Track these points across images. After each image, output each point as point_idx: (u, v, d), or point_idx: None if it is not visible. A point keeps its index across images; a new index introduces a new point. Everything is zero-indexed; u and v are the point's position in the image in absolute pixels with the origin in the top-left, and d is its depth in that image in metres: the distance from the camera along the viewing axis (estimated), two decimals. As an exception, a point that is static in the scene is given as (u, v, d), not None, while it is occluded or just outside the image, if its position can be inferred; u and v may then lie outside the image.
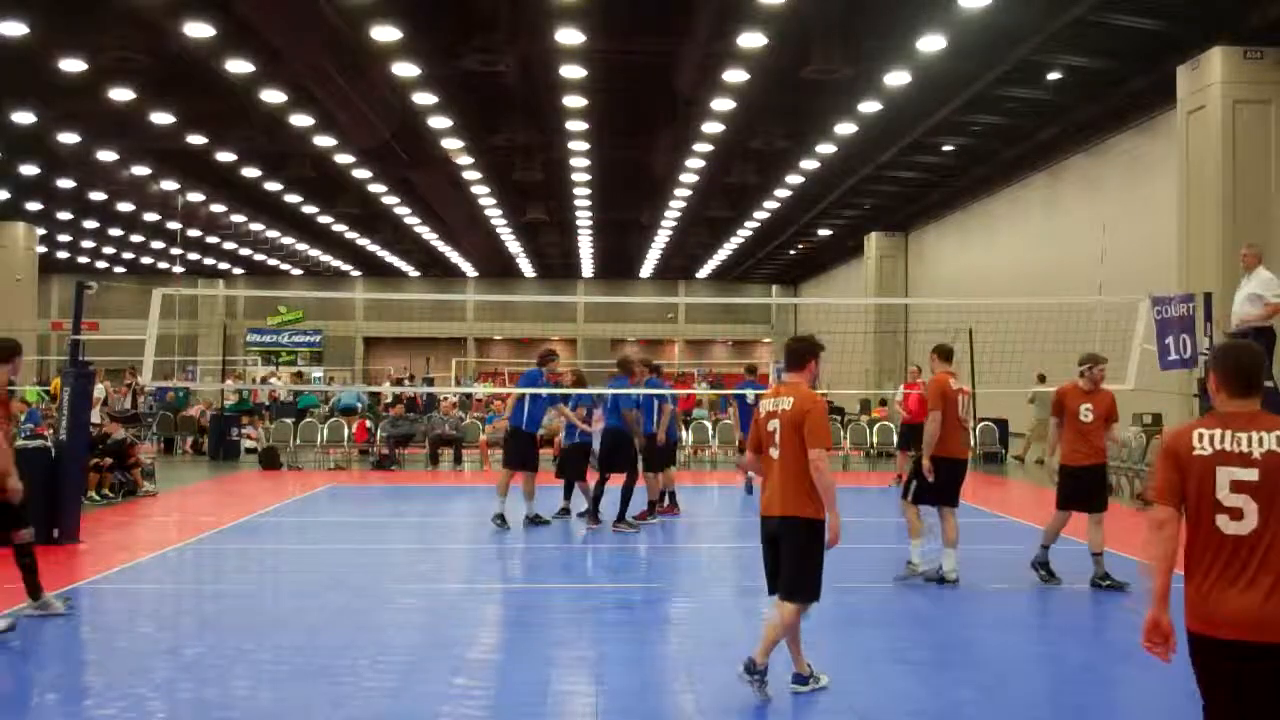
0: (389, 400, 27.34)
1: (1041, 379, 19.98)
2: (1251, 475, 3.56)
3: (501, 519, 12.26)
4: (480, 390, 30.79)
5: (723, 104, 22.37)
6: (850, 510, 14.49)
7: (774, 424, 5.96)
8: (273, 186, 31.98)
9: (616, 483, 12.51)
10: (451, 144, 26.40)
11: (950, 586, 9.17)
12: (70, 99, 22.19)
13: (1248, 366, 3.77)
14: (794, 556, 5.92)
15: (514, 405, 12.69)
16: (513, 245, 45.56)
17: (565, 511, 13.16)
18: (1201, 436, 3.66)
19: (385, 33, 18.21)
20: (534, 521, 12.54)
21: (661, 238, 42.72)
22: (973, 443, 21.85)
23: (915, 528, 9.63)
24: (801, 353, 6.23)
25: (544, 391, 12.81)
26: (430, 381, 37.54)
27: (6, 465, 7.06)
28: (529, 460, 12.66)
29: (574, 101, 22.67)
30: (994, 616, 8.56)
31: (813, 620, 8.41)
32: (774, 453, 5.96)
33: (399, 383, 36.70)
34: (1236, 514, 3.57)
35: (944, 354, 9.81)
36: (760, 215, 36.27)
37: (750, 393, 14.11)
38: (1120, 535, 10.87)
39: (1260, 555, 3.54)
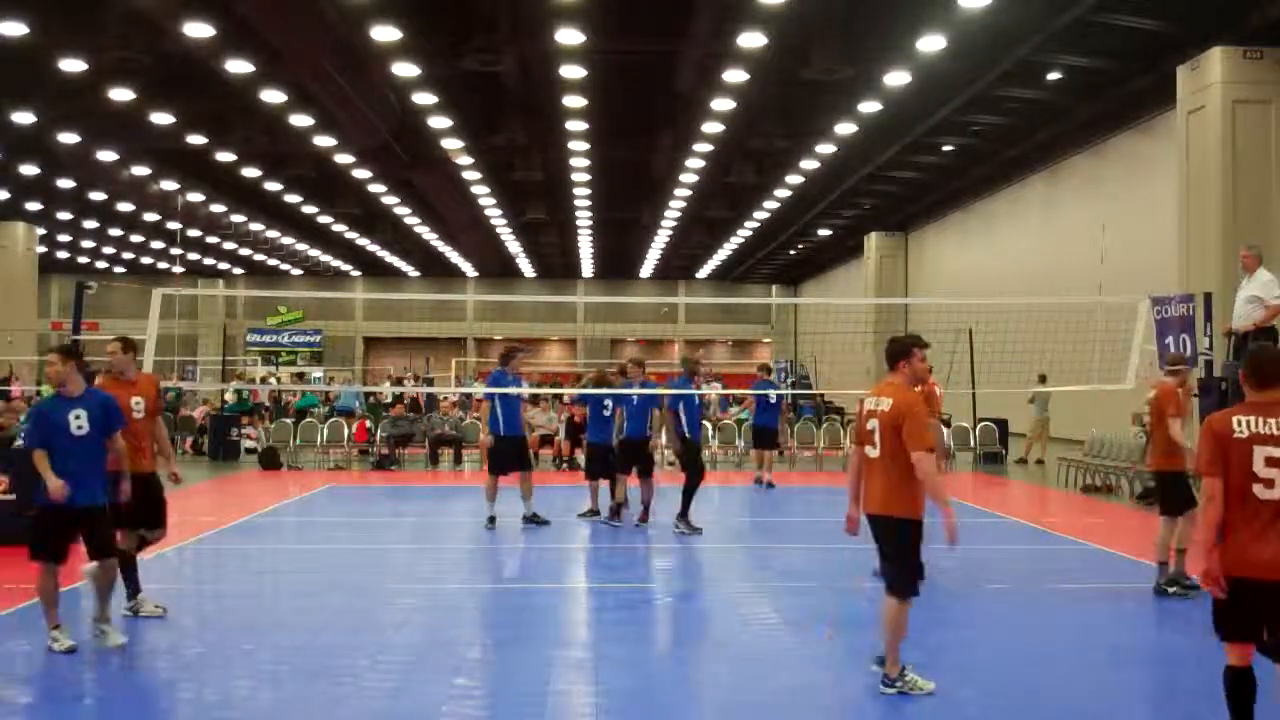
0: (388, 400, 27.34)
1: (1042, 379, 20.02)
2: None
3: (491, 521, 12.23)
4: (480, 390, 30.71)
5: (723, 104, 22.37)
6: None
7: (873, 423, 6.07)
8: (273, 186, 31.99)
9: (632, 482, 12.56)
10: (451, 144, 26.40)
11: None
12: (70, 99, 22.19)
13: (1266, 365, 4.79)
14: (891, 553, 6.08)
15: (488, 414, 12.43)
16: (513, 245, 45.57)
17: (617, 510, 12.64)
18: (1240, 422, 4.65)
19: (385, 33, 18.21)
20: (532, 521, 12.42)
21: (661, 238, 42.73)
22: (973, 443, 22.00)
23: None
24: (894, 353, 6.33)
25: (512, 391, 12.53)
26: (430, 381, 37.52)
27: (120, 464, 7.14)
28: (510, 465, 12.33)
29: (574, 101, 22.67)
30: (994, 616, 8.56)
31: (814, 620, 8.43)
32: (872, 452, 6.05)
33: (399, 382, 36.70)
34: (1270, 484, 4.57)
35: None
36: (760, 215, 36.28)
37: (773, 392, 13.41)
38: (1120, 536, 10.88)
39: None
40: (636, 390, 12.45)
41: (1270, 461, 4.56)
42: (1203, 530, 4.71)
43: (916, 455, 5.84)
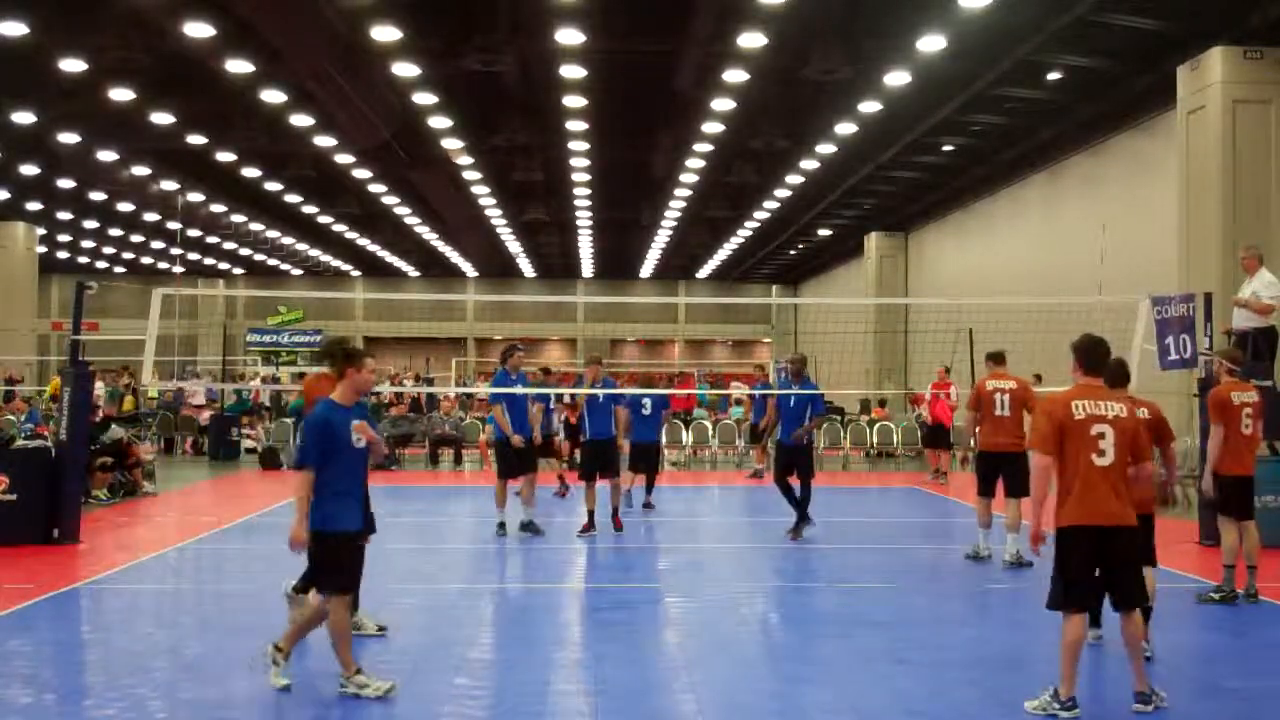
0: (388, 400, 27.32)
1: (1038, 379, 20.09)
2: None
3: (502, 527, 11.92)
4: (483, 390, 30.70)
5: (723, 104, 22.36)
6: (851, 511, 14.53)
7: (1100, 429, 5.88)
8: (273, 186, 31.97)
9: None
10: (451, 144, 26.40)
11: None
12: (70, 99, 22.17)
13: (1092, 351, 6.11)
14: (1133, 564, 6.01)
15: (502, 416, 11.90)
16: (513, 245, 45.56)
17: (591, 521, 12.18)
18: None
19: (385, 33, 18.20)
20: (528, 529, 11.97)
21: (661, 238, 42.72)
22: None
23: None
24: (1121, 375, 6.41)
25: (518, 391, 12.09)
26: (430, 382, 37.49)
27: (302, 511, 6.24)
28: (520, 468, 11.92)
29: (574, 101, 22.67)
30: (994, 616, 8.57)
31: (814, 620, 8.44)
32: (1101, 460, 5.86)
33: (409, 381, 36.65)
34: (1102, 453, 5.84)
35: (995, 358, 10.78)
36: (760, 215, 36.26)
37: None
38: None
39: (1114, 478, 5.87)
40: (653, 391, 12.31)
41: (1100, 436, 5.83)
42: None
43: (1145, 463, 6.08)
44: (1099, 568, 5.91)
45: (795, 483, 11.91)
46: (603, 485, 12.05)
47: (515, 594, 9.64)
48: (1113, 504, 5.84)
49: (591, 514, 11.91)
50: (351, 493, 6.26)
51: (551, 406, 15.00)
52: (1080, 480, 5.84)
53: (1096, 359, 6.12)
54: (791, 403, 11.93)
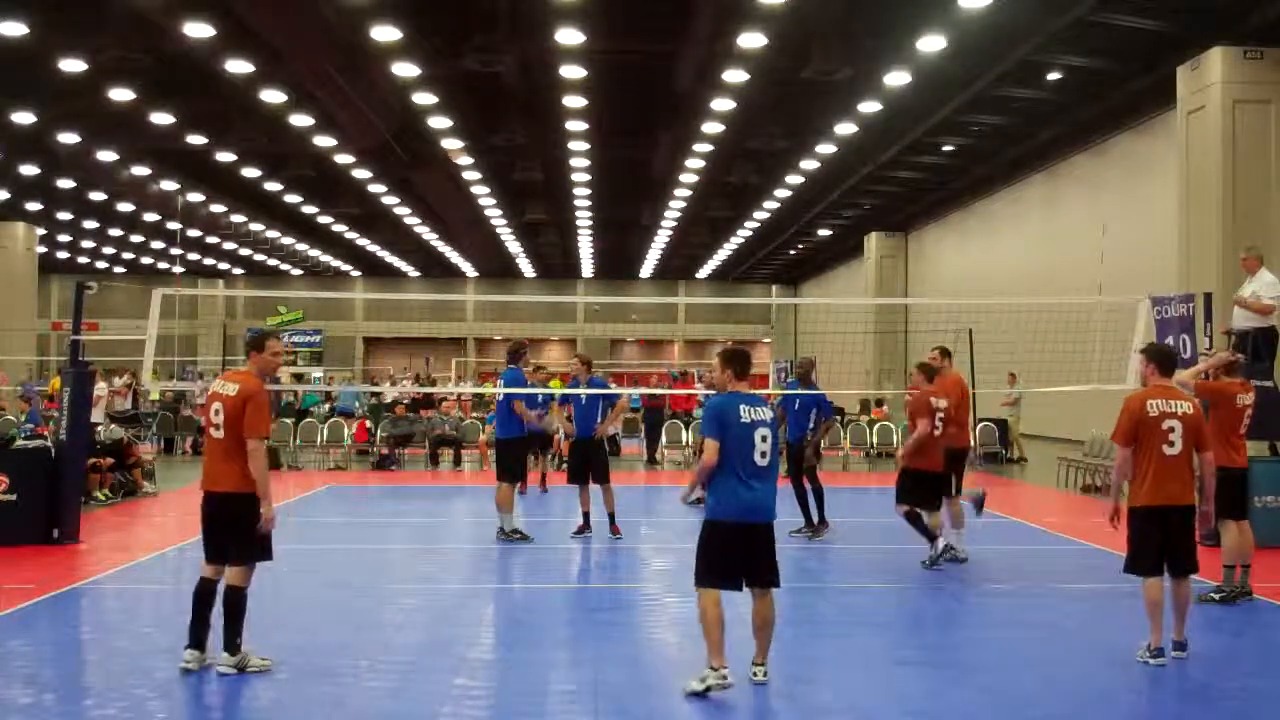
0: (390, 400, 27.32)
1: (1012, 378, 20.58)
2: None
3: (516, 531, 11.67)
4: (485, 390, 30.70)
5: (723, 104, 22.36)
6: (851, 511, 14.51)
7: (1170, 424, 6.84)
8: (273, 186, 31.99)
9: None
10: (451, 144, 26.41)
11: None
12: (70, 99, 22.19)
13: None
14: (1190, 535, 7.00)
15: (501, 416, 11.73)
16: (513, 245, 45.58)
17: (586, 522, 11.95)
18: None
19: (385, 33, 18.21)
20: (509, 536, 11.64)
21: (661, 238, 42.73)
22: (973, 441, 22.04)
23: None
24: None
25: (524, 391, 11.84)
26: (432, 382, 37.53)
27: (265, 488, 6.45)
28: (505, 471, 11.67)
29: (574, 101, 22.67)
30: (994, 616, 8.57)
31: (814, 620, 8.43)
32: (1170, 450, 6.82)
33: (397, 383, 36.68)
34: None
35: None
36: (760, 215, 36.28)
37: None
38: (1121, 536, 10.87)
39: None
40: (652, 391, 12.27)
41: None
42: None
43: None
44: (1163, 538, 6.86)
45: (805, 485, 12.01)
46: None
47: (515, 594, 9.64)
48: (1177, 487, 6.86)
49: (586, 515, 11.84)
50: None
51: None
52: (1153, 467, 6.81)
53: (1171, 364, 7.27)
54: (796, 405, 11.96)
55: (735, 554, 6.27)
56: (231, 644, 6.40)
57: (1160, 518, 6.83)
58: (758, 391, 6.52)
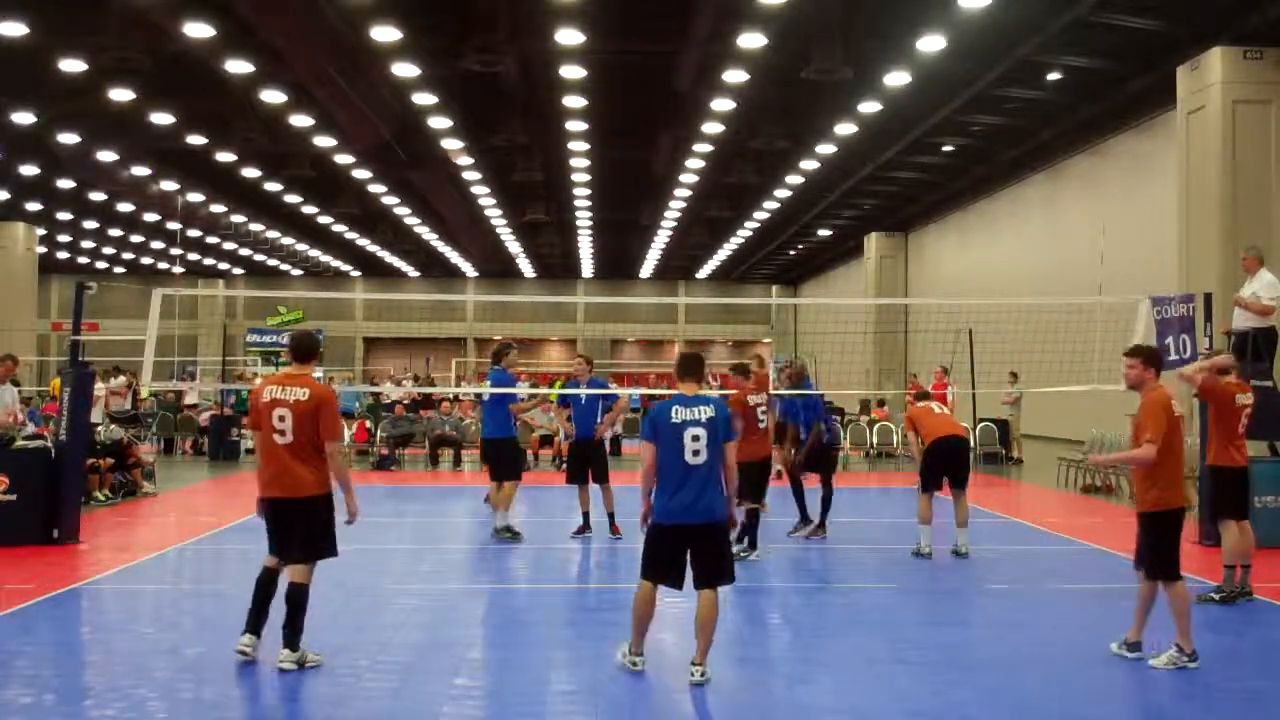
0: (390, 401, 27.30)
1: (1014, 377, 20.53)
2: None
3: (508, 529, 11.70)
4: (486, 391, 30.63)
5: (723, 104, 22.36)
6: (850, 511, 14.50)
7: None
8: (273, 186, 31.99)
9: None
10: (451, 144, 26.40)
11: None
12: (70, 99, 22.19)
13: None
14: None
15: (483, 415, 11.71)
16: (513, 245, 45.57)
17: (586, 523, 11.90)
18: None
19: (385, 33, 18.21)
20: (501, 534, 11.65)
21: (661, 238, 42.72)
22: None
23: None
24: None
25: (504, 390, 11.79)
26: (431, 382, 37.52)
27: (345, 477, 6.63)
28: (505, 471, 11.72)
29: (574, 101, 22.67)
30: (994, 616, 8.57)
31: (814, 620, 8.44)
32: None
33: (401, 383, 36.63)
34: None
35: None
36: (760, 215, 36.27)
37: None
38: (1120, 536, 10.88)
39: None
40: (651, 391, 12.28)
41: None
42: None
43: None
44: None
45: (809, 484, 12.02)
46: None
47: (515, 594, 9.63)
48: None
49: (586, 515, 11.83)
50: None
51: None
52: (1178, 468, 6.79)
53: (1162, 363, 7.36)
54: (793, 408, 11.99)
55: (672, 554, 6.34)
56: (293, 641, 6.42)
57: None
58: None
